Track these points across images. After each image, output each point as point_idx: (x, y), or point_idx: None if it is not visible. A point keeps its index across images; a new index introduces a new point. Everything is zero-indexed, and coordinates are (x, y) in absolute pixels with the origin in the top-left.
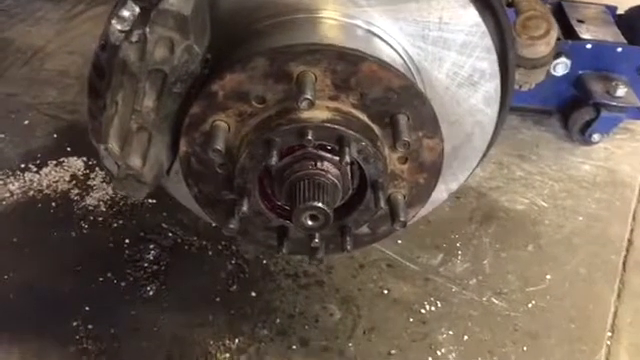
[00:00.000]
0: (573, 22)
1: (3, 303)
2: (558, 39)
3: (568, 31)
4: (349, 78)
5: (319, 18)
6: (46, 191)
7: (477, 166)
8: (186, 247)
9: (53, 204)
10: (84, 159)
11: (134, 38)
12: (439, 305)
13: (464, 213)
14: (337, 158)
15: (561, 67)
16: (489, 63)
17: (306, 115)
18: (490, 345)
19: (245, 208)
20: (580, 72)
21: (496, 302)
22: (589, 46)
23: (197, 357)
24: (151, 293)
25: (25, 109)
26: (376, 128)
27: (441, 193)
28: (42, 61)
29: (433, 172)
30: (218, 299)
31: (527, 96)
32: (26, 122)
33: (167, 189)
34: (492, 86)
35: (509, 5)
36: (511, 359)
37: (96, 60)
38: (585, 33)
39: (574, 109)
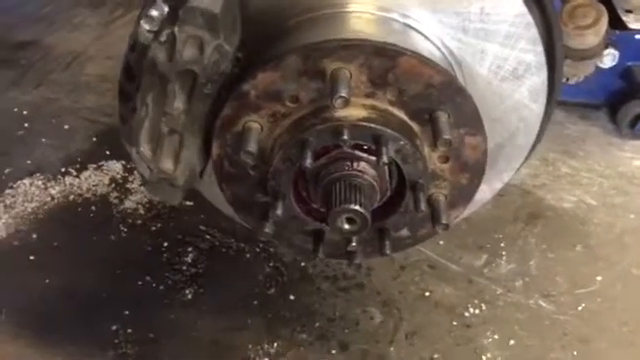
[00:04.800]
0: (621, 12)
1: (44, 307)
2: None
3: (616, 21)
4: (386, 74)
5: (353, 12)
6: (86, 195)
7: (522, 165)
8: (224, 250)
9: (93, 208)
10: (123, 162)
11: (163, 38)
12: (483, 308)
13: (508, 212)
14: (374, 158)
15: (609, 59)
16: (535, 55)
17: (341, 114)
18: (538, 350)
19: (279, 212)
20: (629, 64)
21: (544, 305)
22: (638, 36)
23: None
24: (189, 297)
25: (66, 113)
26: (415, 126)
27: (484, 193)
28: (82, 66)
29: (476, 171)
30: (256, 302)
31: (573, 89)
32: (66, 126)
33: (202, 193)
34: (538, 80)
35: None
36: None
37: (126, 62)
38: (634, 23)
39: (623, 102)
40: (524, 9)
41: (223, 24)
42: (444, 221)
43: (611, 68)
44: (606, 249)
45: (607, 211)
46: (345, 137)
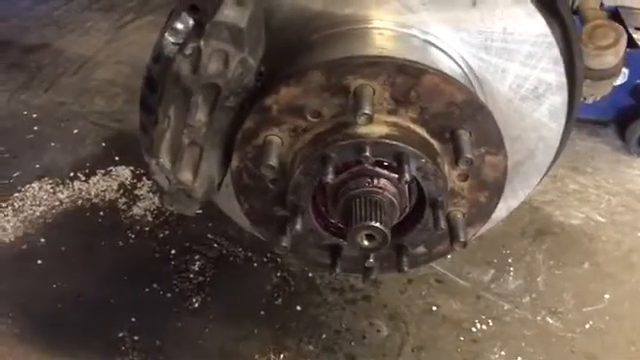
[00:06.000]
0: (631, 30)
1: (51, 312)
2: None
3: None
4: (409, 91)
5: (375, 29)
6: (94, 200)
7: (539, 183)
8: (231, 258)
9: (101, 213)
10: (131, 168)
11: (188, 51)
12: (491, 324)
13: (516, 228)
14: (395, 175)
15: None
16: (556, 75)
17: (363, 130)
18: None
19: (298, 226)
20: (638, 81)
21: (551, 322)
22: None
23: None
24: (196, 305)
25: (74, 118)
26: (436, 144)
27: (500, 211)
28: (91, 71)
29: (495, 190)
30: (263, 312)
31: (582, 106)
32: (75, 131)
33: (217, 204)
34: (558, 99)
35: (574, 13)
36: None
37: (148, 73)
38: None
39: (632, 119)
40: (546, 29)
41: (248, 38)
42: (462, 239)
43: (620, 85)
44: (614, 267)
45: (615, 228)
46: (367, 154)
